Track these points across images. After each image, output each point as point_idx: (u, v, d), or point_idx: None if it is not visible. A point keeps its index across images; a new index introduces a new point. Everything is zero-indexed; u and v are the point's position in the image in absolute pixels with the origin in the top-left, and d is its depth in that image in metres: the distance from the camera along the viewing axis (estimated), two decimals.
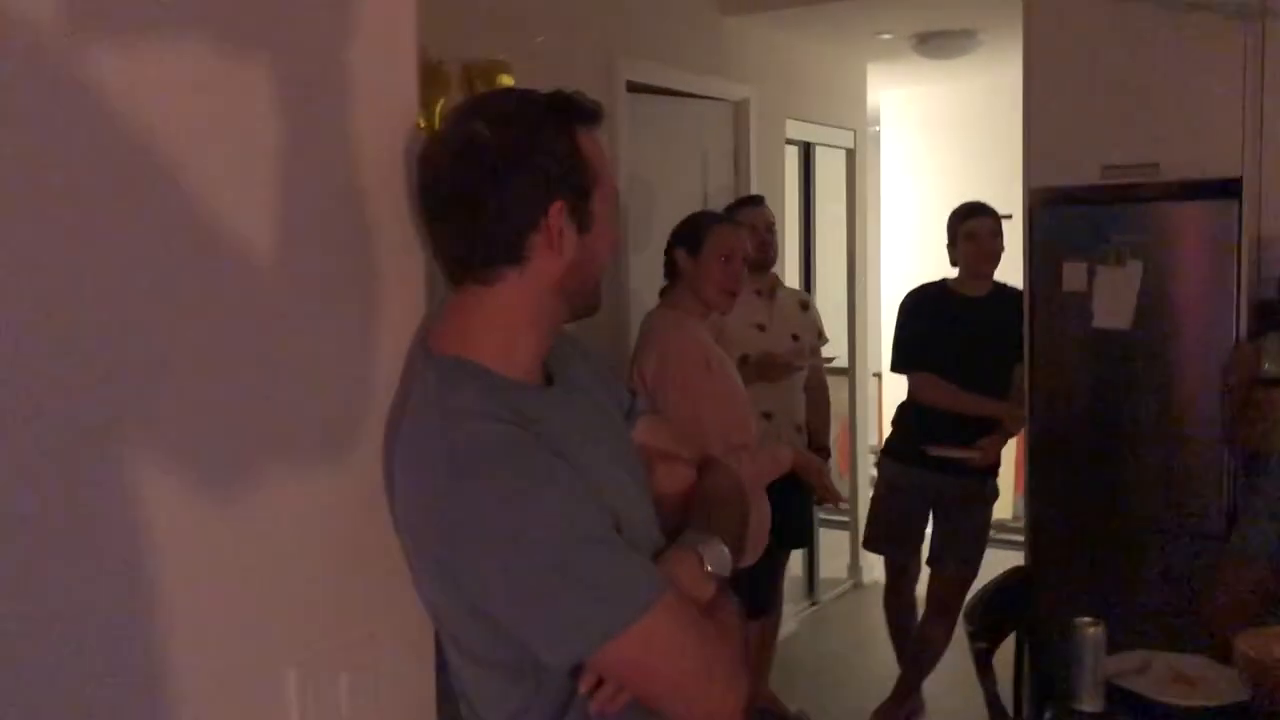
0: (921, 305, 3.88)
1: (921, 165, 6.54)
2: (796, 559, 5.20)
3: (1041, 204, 3.68)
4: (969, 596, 2.31)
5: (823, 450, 3.98)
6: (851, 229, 5.46)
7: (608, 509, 1.18)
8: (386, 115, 1.29)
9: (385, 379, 1.28)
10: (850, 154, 5.42)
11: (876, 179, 6.16)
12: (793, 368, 3.60)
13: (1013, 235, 3.77)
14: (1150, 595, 3.50)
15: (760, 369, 3.56)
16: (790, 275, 5.01)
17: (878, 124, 6.40)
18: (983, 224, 3.75)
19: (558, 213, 1.21)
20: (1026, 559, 3.72)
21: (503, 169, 1.19)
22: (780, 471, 2.69)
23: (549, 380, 1.31)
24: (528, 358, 1.27)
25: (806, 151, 5.18)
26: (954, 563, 3.81)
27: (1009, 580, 2.41)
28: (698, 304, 2.72)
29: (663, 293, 2.83)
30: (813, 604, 5.31)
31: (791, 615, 4.99)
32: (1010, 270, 3.81)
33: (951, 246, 3.84)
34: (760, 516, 1.51)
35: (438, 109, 2.86)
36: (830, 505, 4.06)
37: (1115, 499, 3.58)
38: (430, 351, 1.26)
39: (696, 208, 4.25)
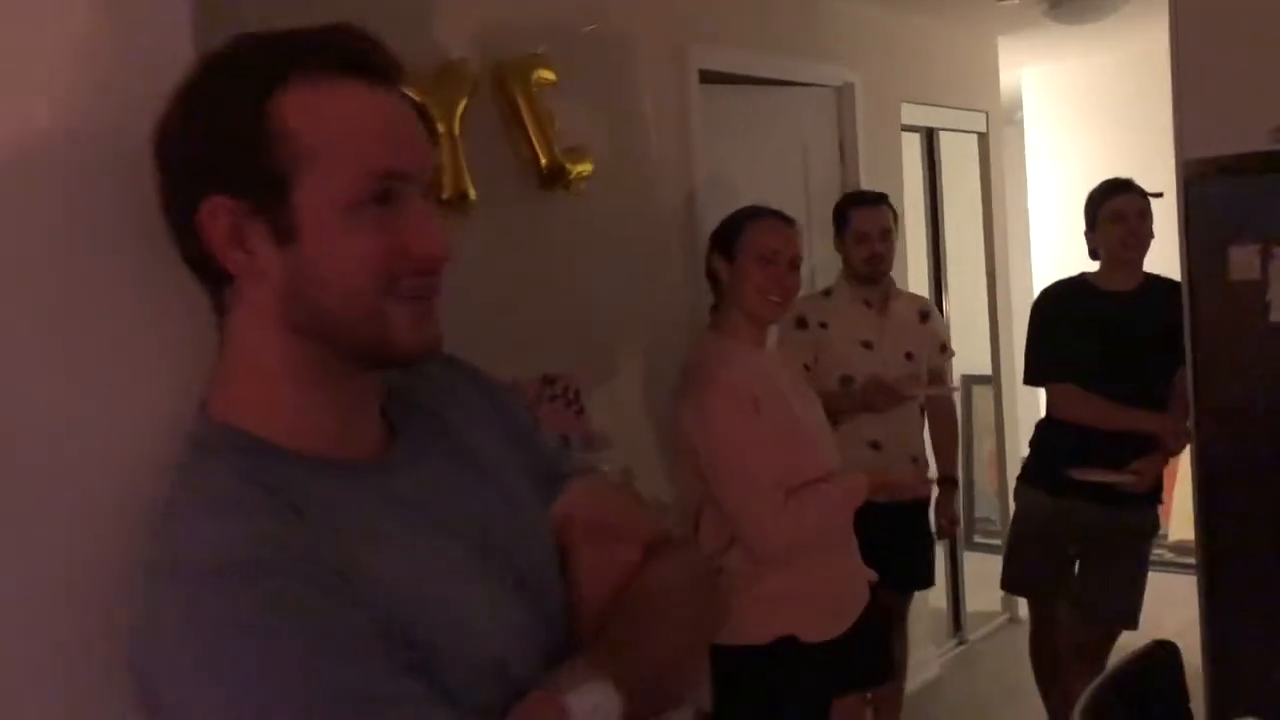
0: (1058, 305, 3.32)
1: (1072, 148, 5.86)
2: (939, 592, 4.67)
3: (1199, 178, 3.09)
4: (1090, 688, 1.80)
5: (949, 481, 3.48)
6: (989, 222, 4.88)
7: (402, 640, 0.82)
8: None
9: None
10: (982, 138, 4.85)
11: (1019, 165, 5.56)
12: (903, 399, 3.10)
13: (1165, 217, 3.18)
14: None
15: (866, 398, 3.09)
16: (916, 277, 4.49)
17: (1018, 105, 5.78)
18: (1129, 203, 3.17)
19: (216, 214, 0.85)
20: (1201, 603, 3.13)
21: (160, 153, 0.86)
22: (856, 503, 2.27)
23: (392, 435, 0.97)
24: (305, 421, 0.90)
25: (930, 138, 4.65)
26: (1106, 610, 3.24)
27: (1148, 660, 1.87)
28: (748, 322, 2.29)
29: (712, 311, 2.42)
30: (960, 643, 4.75)
31: (934, 658, 4.46)
32: (1162, 259, 3.22)
33: (1091, 232, 3.27)
34: (717, 613, 1.09)
35: (458, 112, 2.54)
36: (948, 533, 3.54)
37: None
38: (201, 410, 0.91)
39: (798, 209, 3.82)
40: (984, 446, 5.65)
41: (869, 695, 2.99)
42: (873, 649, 2.40)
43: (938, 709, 4.21)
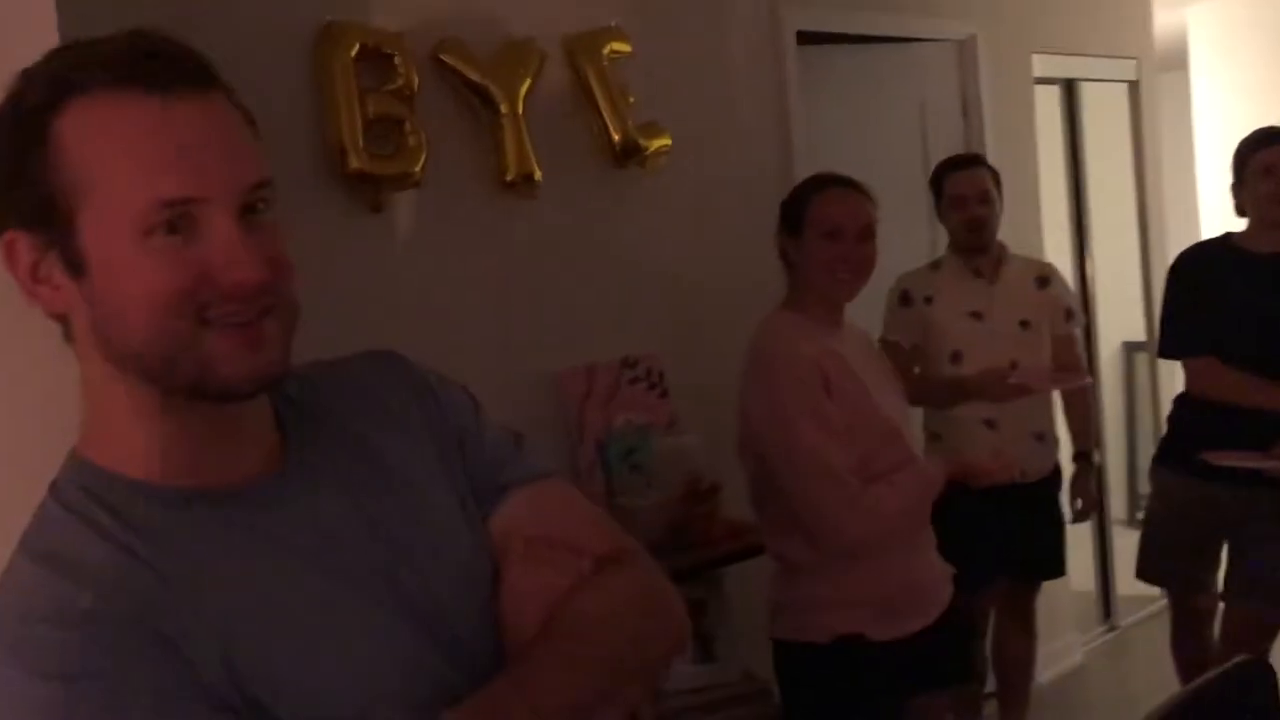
0: (1199, 269, 3.02)
1: (1245, 94, 5.34)
2: (1086, 574, 4.39)
3: None
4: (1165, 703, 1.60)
5: (1083, 458, 3.23)
6: (1141, 179, 4.51)
7: (236, 690, 0.78)
8: None
9: None
10: (1133, 87, 4.47)
11: (1184, 115, 5.12)
12: (1022, 391, 2.87)
13: None
14: None
15: (981, 387, 2.87)
16: (1055, 242, 4.19)
17: (1183, 48, 5.31)
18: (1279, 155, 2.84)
19: (14, 249, 0.81)
20: None
21: None
22: (934, 492, 2.12)
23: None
24: (157, 453, 0.85)
25: (1070, 90, 4.31)
26: (1258, 598, 2.95)
27: (1236, 680, 1.65)
28: (819, 300, 2.15)
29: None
30: (1109, 629, 4.45)
31: (1078, 645, 4.20)
32: None
33: (1238, 187, 2.95)
34: (669, 635, 0.98)
35: (522, 91, 2.49)
36: (1083, 516, 3.28)
37: None
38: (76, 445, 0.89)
39: (916, 178, 3.61)
40: (1143, 418, 5.27)
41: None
42: (951, 650, 2.23)
43: (1079, 701, 3.96)
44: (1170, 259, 3.77)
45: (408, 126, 2.31)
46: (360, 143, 2.24)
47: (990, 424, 3.00)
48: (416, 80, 2.33)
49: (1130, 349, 5.33)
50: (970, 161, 3.11)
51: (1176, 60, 5.48)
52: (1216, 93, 5.50)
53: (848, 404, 2.06)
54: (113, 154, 0.79)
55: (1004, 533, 3.05)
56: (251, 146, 0.86)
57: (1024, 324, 3.05)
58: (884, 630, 2.08)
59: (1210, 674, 1.65)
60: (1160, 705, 1.58)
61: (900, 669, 2.09)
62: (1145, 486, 5.36)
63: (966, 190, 3.01)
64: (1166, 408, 3.86)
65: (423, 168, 2.33)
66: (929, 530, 2.20)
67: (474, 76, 2.42)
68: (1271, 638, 3.00)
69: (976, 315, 3.01)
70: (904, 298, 3.05)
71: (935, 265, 3.14)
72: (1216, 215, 5.02)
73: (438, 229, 2.45)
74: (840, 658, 2.08)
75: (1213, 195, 5.24)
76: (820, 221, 2.10)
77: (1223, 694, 1.60)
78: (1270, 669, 1.67)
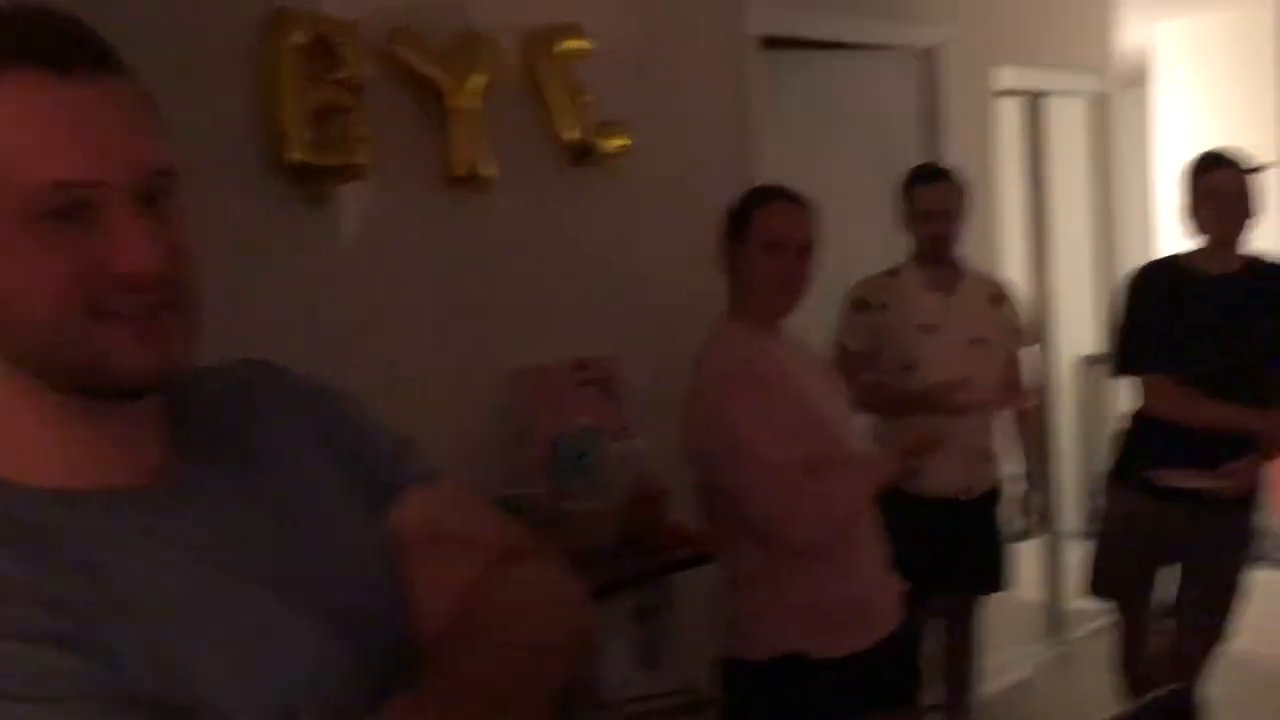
0: (1151, 287, 3.02)
1: (1212, 112, 5.37)
2: (1036, 587, 4.39)
3: None
4: None
5: (1032, 478, 3.22)
6: (1101, 195, 4.52)
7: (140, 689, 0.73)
8: None
9: None
10: (1096, 102, 4.48)
11: (1144, 132, 5.14)
12: (968, 408, 2.85)
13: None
14: None
15: (933, 400, 2.86)
16: (1013, 255, 4.19)
17: (1148, 64, 5.33)
18: (1225, 179, 2.85)
19: None
20: None
21: None
22: (879, 479, 2.10)
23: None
24: (43, 454, 0.81)
25: (1034, 103, 4.31)
26: (1204, 621, 2.96)
27: (1163, 709, 1.63)
28: (758, 310, 2.12)
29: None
30: (1059, 643, 4.45)
31: (1027, 657, 4.20)
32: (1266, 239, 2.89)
33: (1189, 208, 2.96)
34: (576, 630, 0.97)
35: (474, 86, 2.44)
36: (1034, 532, 3.27)
37: None
38: None
39: (876, 186, 3.59)
40: (1103, 431, 5.28)
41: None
42: (897, 671, 2.20)
43: (1025, 714, 3.96)
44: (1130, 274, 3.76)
45: (353, 117, 2.25)
46: (303, 132, 2.18)
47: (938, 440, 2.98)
48: (365, 70, 2.28)
49: (1088, 362, 5.35)
50: (941, 175, 3.08)
51: (1140, 76, 5.51)
52: (1179, 111, 5.53)
53: (788, 405, 2.03)
54: (4, 133, 0.74)
55: (945, 547, 3.04)
56: (153, 132, 0.81)
57: (976, 340, 3.03)
58: (827, 648, 2.04)
59: (1132, 708, 1.63)
60: None
61: (843, 689, 2.05)
62: (1099, 501, 5.41)
63: (934, 205, 2.99)
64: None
65: (368, 160, 2.27)
66: (880, 543, 2.17)
67: (425, 68, 2.37)
68: (1213, 658, 3.00)
69: (930, 328, 2.99)
70: (859, 304, 3.02)
71: (893, 273, 3.12)
72: (1175, 233, 5.06)
73: (383, 223, 2.39)
74: (782, 676, 2.04)
75: (1171, 213, 5.27)
76: (762, 233, 2.07)
77: None
78: (1194, 701, 1.65)
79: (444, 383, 2.51)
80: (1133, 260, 4.63)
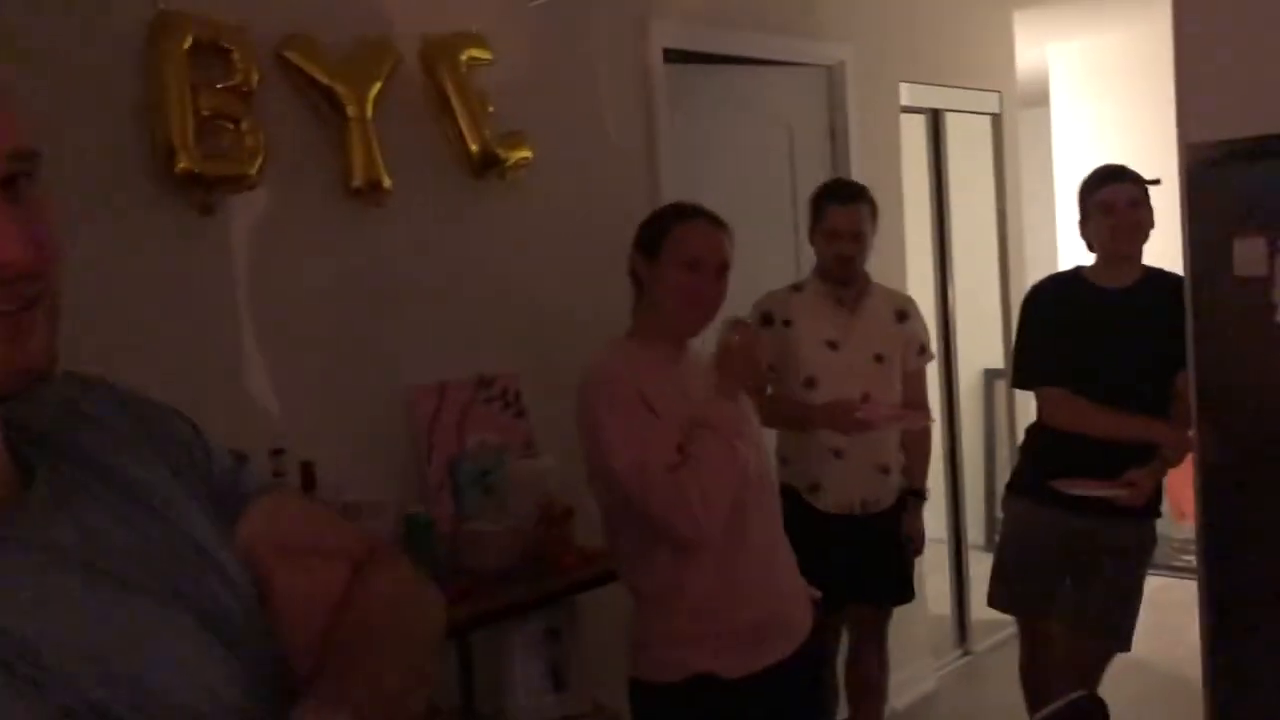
0: (1049, 300, 3.07)
1: (1106, 129, 5.52)
2: (941, 599, 4.45)
3: (1203, 164, 2.82)
4: None
5: (918, 494, 3.25)
6: (1001, 211, 4.61)
7: None
8: None
9: None
10: (996, 120, 4.57)
11: (1045, 147, 5.26)
12: (867, 427, 2.88)
13: (1170, 206, 2.92)
14: None
15: (828, 417, 2.87)
16: (918, 269, 4.25)
17: (1044, 84, 5.47)
18: (1118, 192, 2.91)
19: None
20: (1202, 620, 2.88)
21: None
22: (731, 428, 1.98)
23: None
24: None
25: (935, 120, 4.38)
26: (1100, 629, 3.00)
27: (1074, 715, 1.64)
28: (665, 331, 2.08)
29: (633, 314, 2.20)
30: (964, 654, 4.50)
31: (932, 670, 4.23)
32: (1168, 252, 2.95)
33: (1084, 223, 3.01)
34: (437, 625, 0.97)
35: (372, 93, 2.37)
36: (914, 550, 3.29)
37: None
38: None
39: (782, 200, 3.60)
40: (1004, 444, 5.39)
41: None
42: (808, 685, 2.17)
43: None
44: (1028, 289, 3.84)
45: (245, 125, 2.17)
46: (191, 141, 2.09)
47: (838, 454, 2.99)
48: (256, 77, 2.20)
49: (990, 376, 5.45)
50: (853, 196, 3.05)
51: (1039, 96, 5.64)
52: (1076, 128, 5.68)
53: (673, 419, 1.98)
54: None
55: (852, 560, 3.04)
56: (8, 110, 0.75)
57: (878, 357, 3.04)
58: (739, 666, 2.01)
59: (1044, 713, 1.63)
60: None
61: (756, 706, 2.02)
62: (997, 511, 5.51)
63: (844, 225, 2.98)
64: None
65: (260, 170, 2.19)
66: (787, 552, 2.14)
67: (320, 76, 2.30)
68: (1105, 666, 3.05)
69: (832, 344, 2.99)
70: (765, 318, 3.01)
71: (798, 287, 3.12)
72: (1075, 248, 5.19)
73: (277, 235, 2.31)
74: (692, 698, 2.00)
75: (1071, 228, 5.41)
76: (681, 251, 2.03)
77: None
78: (1102, 703, 1.66)
79: (342, 400, 2.44)
80: (1034, 275, 4.73)
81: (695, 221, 2.08)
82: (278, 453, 2.21)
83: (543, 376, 2.76)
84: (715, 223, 2.09)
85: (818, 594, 2.24)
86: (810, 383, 2.97)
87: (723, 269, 2.06)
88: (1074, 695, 1.65)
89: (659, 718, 2.07)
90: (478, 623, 2.31)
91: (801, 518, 2.22)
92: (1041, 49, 5.40)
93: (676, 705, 2.03)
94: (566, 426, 2.52)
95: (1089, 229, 2.98)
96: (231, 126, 2.16)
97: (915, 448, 3.21)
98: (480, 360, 2.67)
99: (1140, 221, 2.90)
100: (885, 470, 3.07)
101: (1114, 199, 2.90)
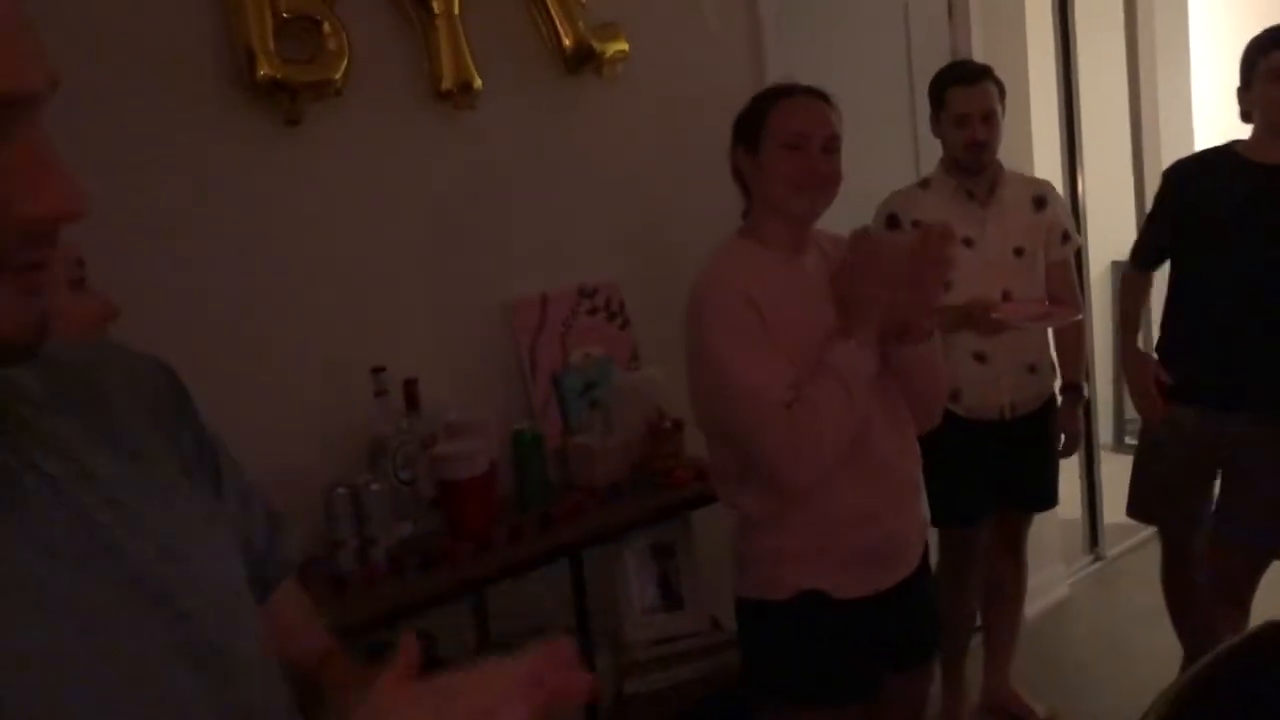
0: (1195, 179, 2.81)
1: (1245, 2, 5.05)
2: (1072, 503, 4.24)
3: None
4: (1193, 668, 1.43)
5: (1073, 389, 3.04)
6: (1135, 91, 4.26)
7: None
8: None
9: None
10: None
11: (1181, 20, 4.84)
12: (1004, 326, 2.68)
13: None
14: None
15: (965, 319, 2.68)
16: (1046, 155, 3.96)
17: None
18: None
19: None
20: None
21: None
22: (864, 367, 1.79)
23: None
24: None
25: None
26: (1249, 537, 2.79)
27: (1260, 642, 1.48)
28: (780, 224, 1.92)
29: (744, 217, 2.04)
30: (1095, 560, 4.31)
31: (1063, 577, 4.06)
32: None
33: (1246, 91, 2.71)
34: None
35: None
36: (1068, 449, 3.10)
37: None
38: None
39: (899, 83, 3.36)
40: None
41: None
42: (920, 616, 2.03)
43: (1065, 634, 3.83)
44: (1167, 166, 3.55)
45: (327, 28, 2.05)
46: (271, 45, 1.99)
47: (980, 357, 2.80)
48: None
49: (1119, 268, 5.12)
50: (978, 75, 2.82)
51: None
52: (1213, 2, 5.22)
53: (783, 332, 1.82)
54: None
55: (998, 465, 2.89)
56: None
57: (1018, 251, 2.83)
58: (843, 588, 1.89)
59: (1236, 639, 1.46)
60: (1192, 670, 1.40)
61: (860, 632, 1.90)
62: (1132, 412, 5.24)
63: (972, 109, 2.75)
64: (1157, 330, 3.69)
65: (345, 75, 2.08)
66: (903, 475, 1.98)
67: None
68: (1258, 577, 2.85)
69: (968, 242, 2.77)
70: (890, 220, 2.81)
71: (924, 184, 2.91)
72: (1211, 127, 4.80)
73: (364, 144, 2.20)
74: (797, 616, 1.89)
75: (1208, 106, 5.00)
76: (780, 131, 1.86)
77: (1247, 658, 1.42)
78: None
79: (440, 315, 2.35)
80: (1169, 157, 4.39)
81: (793, 98, 1.90)
82: (379, 370, 2.13)
83: (647, 285, 2.63)
84: (816, 95, 1.90)
85: (928, 524, 2.08)
86: (945, 287, 2.78)
87: (830, 144, 1.87)
88: (1258, 627, 1.48)
89: (766, 635, 1.98)
90: (588, 541, 2.24)
91: (942, 427, 2.06)
92: None
93: (784, 622, 1.92)
94: (673, 336, 2.40)
95: (1251, 97, 2.68)
96: (314, 29, 2.04)
97: (1068, 342, 3.01)
98: (581, 269, 2.55)
99: None
100: (1033, 369, 2.89)
101: None
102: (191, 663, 0.68)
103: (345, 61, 2.08)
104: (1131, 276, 3.02)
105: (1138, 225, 4.35)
